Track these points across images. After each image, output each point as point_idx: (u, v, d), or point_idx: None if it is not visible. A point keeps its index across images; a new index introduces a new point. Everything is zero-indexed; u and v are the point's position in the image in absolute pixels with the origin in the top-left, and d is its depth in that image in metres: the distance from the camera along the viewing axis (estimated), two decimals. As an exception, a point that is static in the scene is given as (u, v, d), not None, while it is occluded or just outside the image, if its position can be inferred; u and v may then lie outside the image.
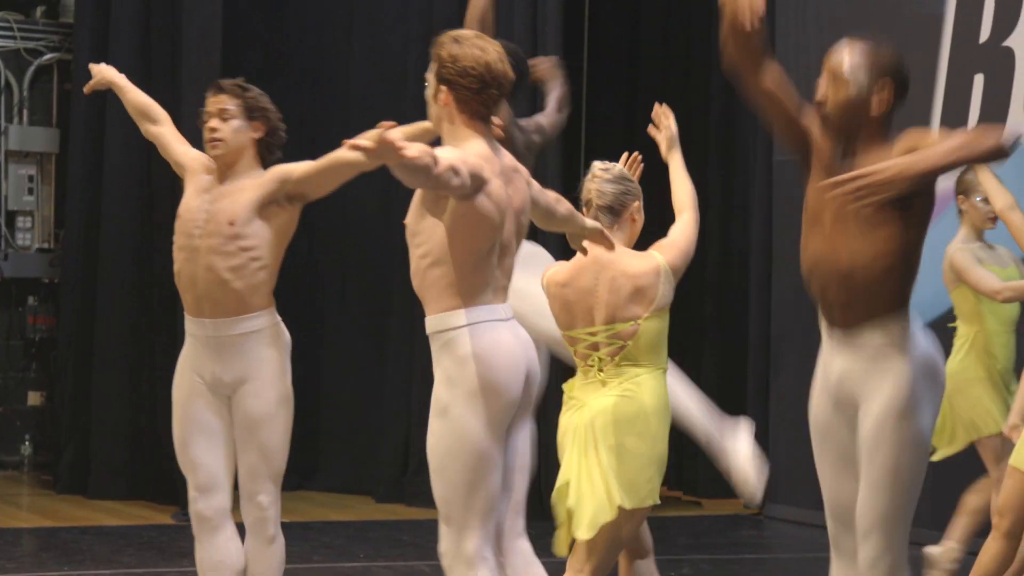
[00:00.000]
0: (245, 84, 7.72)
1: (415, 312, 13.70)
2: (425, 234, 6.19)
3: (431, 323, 6.30)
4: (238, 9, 14.51)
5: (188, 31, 13.77)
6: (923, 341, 6.42)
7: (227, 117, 7.52)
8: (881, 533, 6.41)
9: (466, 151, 6.14)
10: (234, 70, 14.16)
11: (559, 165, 14.03)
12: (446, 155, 5.92)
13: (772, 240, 14.60)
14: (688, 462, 15.56)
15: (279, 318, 7.70)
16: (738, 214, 15.45)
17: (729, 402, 14.52)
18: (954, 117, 12.91)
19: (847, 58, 6.43)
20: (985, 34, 12.85)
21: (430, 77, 6.44)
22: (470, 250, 6.18)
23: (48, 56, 15.53)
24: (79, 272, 14.25)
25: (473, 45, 6.31)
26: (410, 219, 6.27)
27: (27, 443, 15.57)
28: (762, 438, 14.06)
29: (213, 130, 7.46)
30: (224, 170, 7.58)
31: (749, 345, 15.07)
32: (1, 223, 15.39)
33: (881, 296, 6.34)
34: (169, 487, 13.17)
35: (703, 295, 15.96)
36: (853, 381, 6.57)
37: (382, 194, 14.53)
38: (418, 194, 6.23)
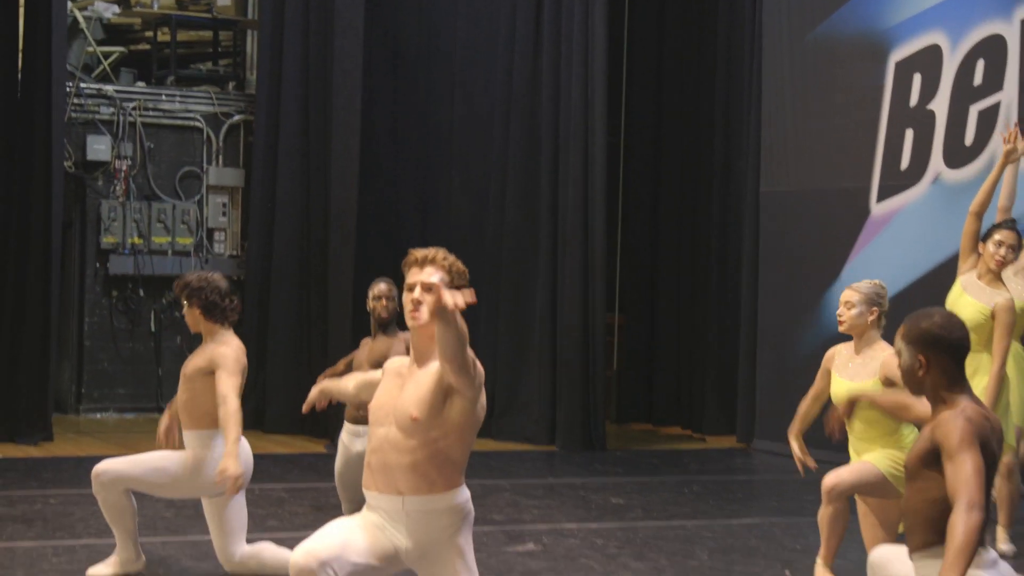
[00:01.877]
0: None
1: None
2: (437, 426, 5.58)
3: (446, 498, 5.66)
4: (372, 84, 14.86)
5: (336, 101, 14.26)
6: None
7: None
8: None
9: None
10: (367, 126, 15.35)
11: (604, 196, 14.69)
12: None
13: (759, 244, 14.69)
14: (696, 408, 16.04)
15: None
16: (732, 228, 15.45)
17: (725, 353, 15.16)
18: (891, 160, 13.19)
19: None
20: (914, 100, 13.12)
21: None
22: (469, 443, 5.74)
23: (236, 117, 16.09)
24: (258, 272, 14.92)
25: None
26: (423, 415, 5.59)
27: None
28: (749, 383, 14.50)
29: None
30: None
31: (741, 310, 15.06)
32: (203, 237, 15.92)
33: None
34: (322, 425, 13.57)
35: (708, 273, 15.92)
36: None
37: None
38: (432, 393, 5.58)
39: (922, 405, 5.55)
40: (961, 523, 4.83)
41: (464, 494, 5.70)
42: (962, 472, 4.97)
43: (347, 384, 6.47)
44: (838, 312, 7.95)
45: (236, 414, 7.54)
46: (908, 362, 5.29)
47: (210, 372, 7.78)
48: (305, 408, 6.58)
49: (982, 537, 5.00)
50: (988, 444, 5.12)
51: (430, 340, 5.60)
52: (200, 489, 7.95)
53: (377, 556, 5.61)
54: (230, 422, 7.48)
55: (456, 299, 5.19)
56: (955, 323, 5.33)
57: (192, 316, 7.95)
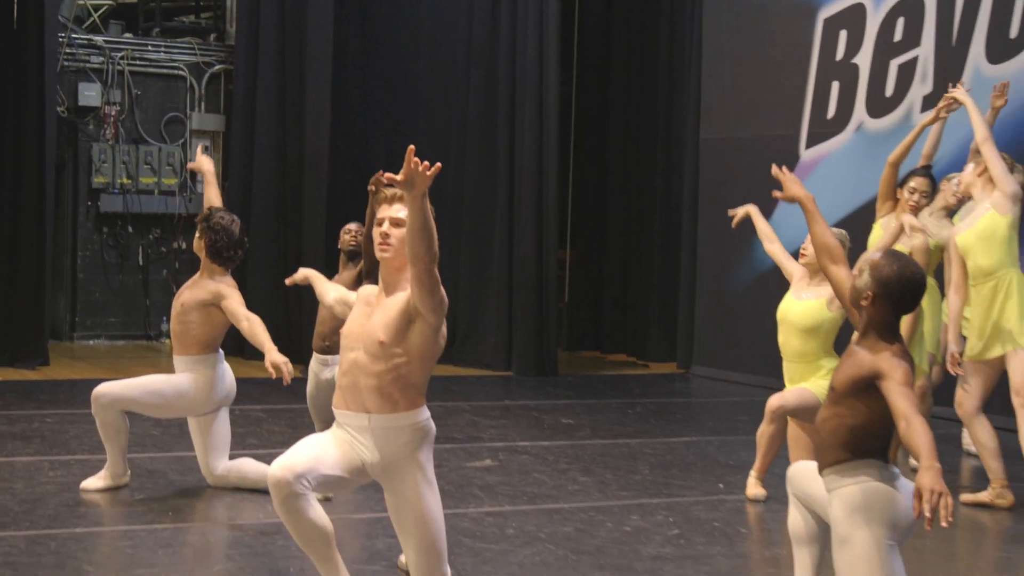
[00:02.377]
0: None
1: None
2: (401, 351, 5.56)
3: (408, 417, 5.68)
4: (342, 36, 14.81)
5: (310, 52, 14.24)
6: None
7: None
8: None
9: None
10: (339, 75, 14.93)
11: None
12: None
13: (698, 187, 14.83)
14: (640, 337, 16.14)
15: None
16: (675, 171, 15.50)
17: (667, 287, 15.26)
18: (818, 110, 13.26)
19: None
20: (840, 54, 13.17)
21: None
22: (429, 368, 5.74)
23: (217, 67, 16.03)
24: (238, 211, 13.40)
25: None
26: (389, 339, 5.59)
27: None
28: (689, 314, 14.56)
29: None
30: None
31: (682, 248, 15.19)
32: (187, 178, 15.81)
33: None
34: (297, 352, 13.02)
35: (652, 213, 15.98)
36: None
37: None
38: (398, 320, 5.57)
39: (844, 271, 5.60)
40: (917, 431, 4.90)
41: (424, 413, 5.72)
42: (904, 399, 5.04)
43: (328, 290, 6.52)
44: (802, 247, 8.21)
45: (260, 324, 7.70)
46: (861, 286, 5.32)
47: (210, 304, 7.96)
48: (288, 281, 7.09)
49: (890, 454, 5.23)
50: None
51: (397, 272, 5.64)
52: (188, 409, 8.12)
53: (347, 469, 5.67)
54: (260, 332, 7.61)
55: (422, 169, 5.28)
56: (915, 284, 5.32)
57: (199, 245, 8.13)
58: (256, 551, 6.84)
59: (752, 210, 8.82)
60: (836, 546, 5.25)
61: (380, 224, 5.67)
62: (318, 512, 5.66)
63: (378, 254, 5.68)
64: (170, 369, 8.21)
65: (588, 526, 7.56)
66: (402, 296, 5.61)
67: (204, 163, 8.78)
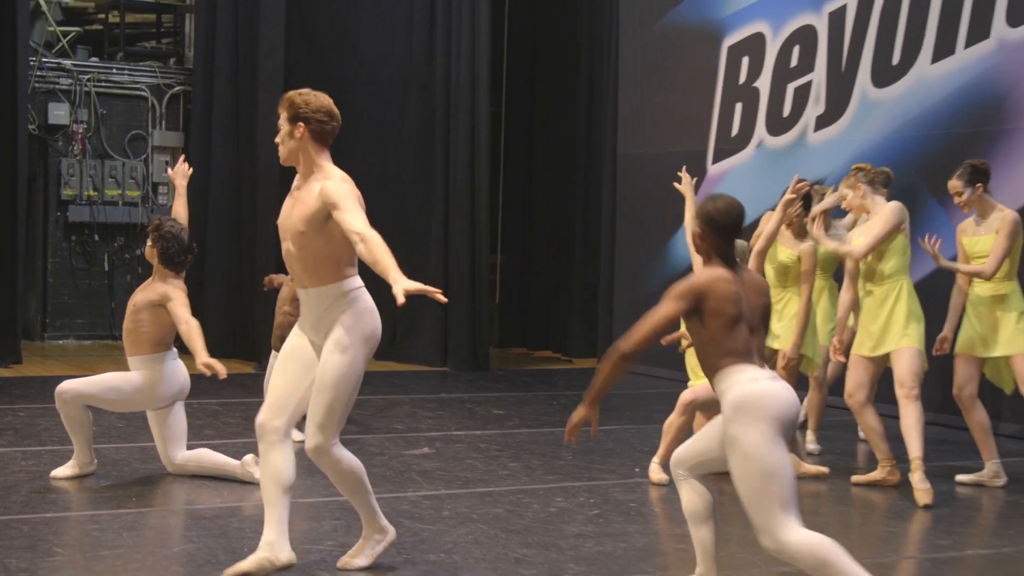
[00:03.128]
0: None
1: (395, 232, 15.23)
2: (321, 237, 5.83)
3: (337, 287, 5.92)
4: (291, 60, 14.55)
5: (261, 75, 14.09)
6: None
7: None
8: None
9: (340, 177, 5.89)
10: (293, 33, 14.44)
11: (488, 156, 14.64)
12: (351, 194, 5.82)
13: (616, 197, 14.84)
14: (564, 334, 16.15)
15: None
16: (594, 183, 15.56)
17: (588, 289, 15.28)
18: (724, 128, 13.29)
19: None
20: (743, 78, 13.20)
21: (283, 122, 5.96)
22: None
23: (176, 88, 15.97)
24: (197, 218, 13.92)
25: (318, 95, 6.02)
26: (308, 227, 5.84)
27: None
28: (608, 313, 14.57)
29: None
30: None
31: (601, 253, 15.20)
32: (149, 190, 15.77)
33: None
34: (251, 349, 13.85)
35: (574, 221, 16.01)
36: None
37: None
38: (313, 213, 5.80)
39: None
40: (610, 355, 5.49)
41: (352, 283, 6.00)
42: (653, 313, 5.39)
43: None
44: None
45: (198, 329, 7.64)
46: (695, 230, 5.57)
47: (158, 305, 7.88)
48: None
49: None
50: (728, 297, 5.36)
51: (294, 159, 6.01)
52: (144, 404, 8.07)
53: (309, 366, 6.02)
54: (195, 337, 7.54)
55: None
56: (732, 212, 5.52)
57: (151, 253, 8.06)
58: (213, 532, 6.80)
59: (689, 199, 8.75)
60: (727, 448, 5.32)
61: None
62: (289, 455, 5.95)
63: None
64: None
65: (516, 507, 7.57)
66: (317, 191, 5.85)
67: (178, 175, 8.54)
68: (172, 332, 8.05)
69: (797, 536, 5.14)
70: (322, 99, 6.02)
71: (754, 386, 5.27)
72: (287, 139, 5.96)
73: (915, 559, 6.82)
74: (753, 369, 5.33)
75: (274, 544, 5.87)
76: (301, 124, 5.92)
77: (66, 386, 7.92)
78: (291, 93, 6.09)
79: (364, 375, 5.99)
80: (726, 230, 5.50)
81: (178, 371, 8.11)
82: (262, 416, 5.98)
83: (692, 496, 5.76)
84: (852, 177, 8.51)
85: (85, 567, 6.13)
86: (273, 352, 9.56)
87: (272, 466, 5.91)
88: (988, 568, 6.73)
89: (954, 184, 8.44)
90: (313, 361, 6.03)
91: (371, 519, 6.24)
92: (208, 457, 8.18)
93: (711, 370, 5.41)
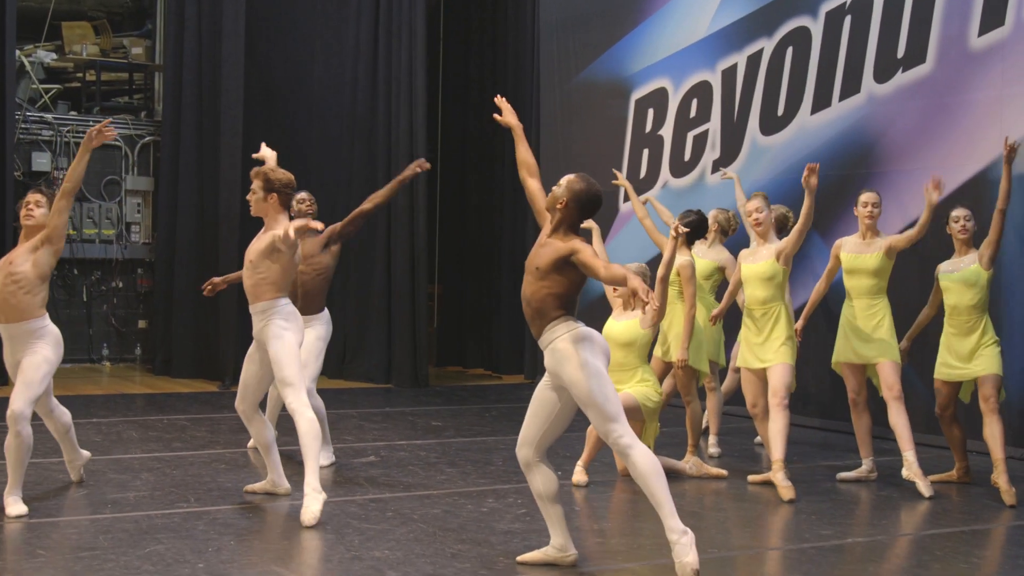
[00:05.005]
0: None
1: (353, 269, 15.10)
2: (265, 266, 7.20)
3: (270, 304, 7.20)
4: (249, 115, 14.35)
5: (223, 127, 13.98)
6: None
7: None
8: None
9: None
10: (247, 145, 14.82)
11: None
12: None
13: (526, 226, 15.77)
14: (494, 354, 16.12)
15: None
16: (520, 220, 15.34)
17: (516, 314, 14.62)
18: (633, 171, 13.21)
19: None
20: (649, 127, 13.21)
21: (258, 189, 7.13)
22: (290, 276, 7.30)
23: (147, 138, 15.94)
24: (165, 255, 14.61)
25: (283, 172, 7.25)
26: (257, 259, 7.19)
27: (138, 348, 15.82)
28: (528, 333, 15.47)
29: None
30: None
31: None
32: (123, 229, 15.72)
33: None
34: (217, 369, 13.69)
35: (502, 256, 15.92)
36: None
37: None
38: (266, 247, 7.18)
39: (537, 184, 6.38)
40: (614, 266, 5.84)
41: (281, 303, 7.34)
42: (596, 258, 5.78)
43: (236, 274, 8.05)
44: (614, 288, 8.53)
45: None
46: (558, 194, 5.92)
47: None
48: (205, 290, 8.71)
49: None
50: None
51: (262, 214, 7.37)
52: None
53: (263, 363, 7.41)
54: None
55: (289, 231, 6.77)
56: (596, 197, 5.95)
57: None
58: (180, 535, 6.72)
59: (630, 189, 9.90)
60: (571, 378, 5.88)
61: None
62: (267, 424, 7.59)
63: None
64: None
65: (453, 508, 7.56)
66: (270, 236, 7.22)
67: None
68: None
69: (637, 444, 5.79)
70: (286, 175, 7.25)
71: (590, 330, 5.92)
72: (260, 202, 7.24)
73: (802, 547, 6.83)
74: (577, 320, 5.94)
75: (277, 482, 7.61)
76: (274, 194, 7.22)
77: (18, 406, 7.16)
78: (265, 169, 7.29)
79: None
80: (586, 211, 5.93)
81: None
82: (240, 406, 7.57)
83: (543, 479, 6.14)
84: (763, 200, 8.58)
85: (65, 567, 6.04)
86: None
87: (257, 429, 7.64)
88: (865, 553, 6.78)
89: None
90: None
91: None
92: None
93: (556, 313, 5.87)
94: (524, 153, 6.45)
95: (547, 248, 5.91)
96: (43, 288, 7.38)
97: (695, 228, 8.98)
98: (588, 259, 5.74)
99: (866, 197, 8.62)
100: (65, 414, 7.73)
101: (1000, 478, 8.04)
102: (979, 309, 8.25)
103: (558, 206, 5.87)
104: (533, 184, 6.33)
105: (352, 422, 11.31)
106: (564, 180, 5.93)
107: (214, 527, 6.86)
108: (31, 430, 7.16)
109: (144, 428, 10.52)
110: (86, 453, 8.11)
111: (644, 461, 5.78)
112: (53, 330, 7.49)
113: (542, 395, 6.07)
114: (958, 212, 8.37)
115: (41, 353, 7.29)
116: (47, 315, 7.42)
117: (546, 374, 6.04)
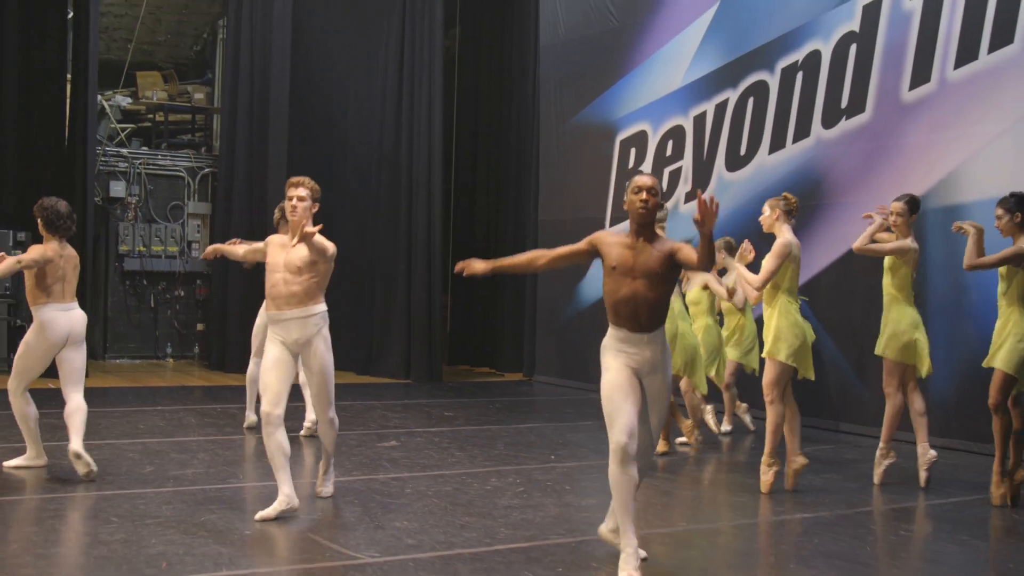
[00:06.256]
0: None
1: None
2: (314, 270, 6.33)
3: (315, 308, 6.36)
4: (292, 151, 14.38)
5: (270, 160, 13.93)
6: None
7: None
8: None
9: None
10: (290, 175, 15.45)
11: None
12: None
13: (525, 247, 15.57)
14: (498, 355, 15.95)
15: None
16: (521, 240, 15.03)
17: (517, 320, 15.00)
18: (617, 201, 12.98)
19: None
20: (631, 164, 12.95)
21: (307, 198, 6.38)
22: (326, 280, 6.45)
23: (207, 170, 15.94)
24: (219, 269, 14.43)
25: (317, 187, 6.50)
26: (305, 265, 6.32)
27: (196, 347, 15.78)
28: (532, 339, 14.35)
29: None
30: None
31: (526, 293, 15.02)
32: (185, 246, 15.71)
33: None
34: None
35: (506, 278, 15.16)
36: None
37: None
38: (307, 257, 6.30)
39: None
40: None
41: (323, 306, 6.52)
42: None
43: (238, 249, 7.02)
44: None
45: (7, 263, 7.06)
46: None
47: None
48: (202, 256, 7.53)
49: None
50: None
51: (297, 224, 6.45)
52: (44, 349, 7.23)
53: (291, 366, 6.44)
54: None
55: (309, 228, 6.17)
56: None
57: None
58: (231, 507, 6.69)
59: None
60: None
61: (291, 199, 6.47)
62: (283, 436, 6.37)
63: (289, 216, 6.44)
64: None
65: (461, 486, 7.54)
66: (305, 247, 6.37)
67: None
68: (44, 283, 7.21)
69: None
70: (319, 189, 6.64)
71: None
72: (308, 211, 6.47)
73: (758, 521, 6.80)
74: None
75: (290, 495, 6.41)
76: (317, 203, 6.56)
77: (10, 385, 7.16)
78: (313, 183, 6.59)
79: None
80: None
81: (57, 319, 7.18)
82: (266, 410, 6.34)
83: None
84: (777, 200, 7.71)
85: (134, 531, 6.02)
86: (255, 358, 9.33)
87: (273, 445, 6.38)
88: (810, 527, 6.73)
89: (997, 211, 7.33)
90: (292, 361, 6.48)
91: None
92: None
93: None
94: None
95: (654, 254, 5.36)
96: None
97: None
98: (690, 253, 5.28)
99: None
100: (32, 404, 7.35)
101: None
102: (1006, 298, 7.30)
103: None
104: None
105: (377, 412, 11.27)
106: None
107: (259, 500, 6.86)
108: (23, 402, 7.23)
109: (201, 415, 10.48)
110: (41, 460, 7.54)
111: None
112: (39, 315, 7.17)
113: (634, 383, 5.33)
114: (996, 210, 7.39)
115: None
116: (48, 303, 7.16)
117: (628, 366, 5.33)
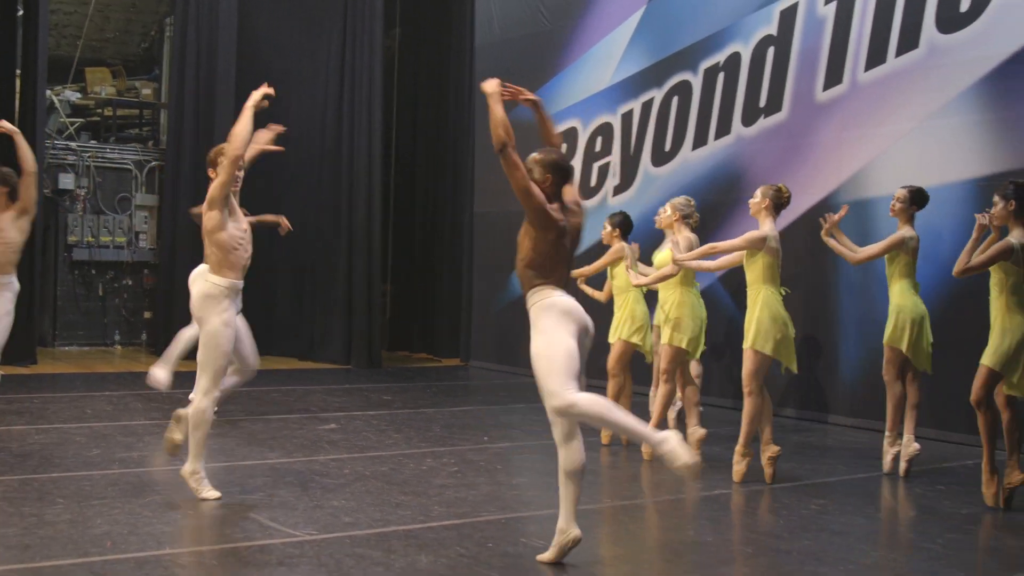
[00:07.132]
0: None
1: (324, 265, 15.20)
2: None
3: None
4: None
5: (216, 144, 14.26)
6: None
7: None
8: None
9: None
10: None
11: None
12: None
13: (473, 242, 14.68)
14: (436, 341, 15.89)
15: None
16: (458, 232, 15.23)
17: (453, 308, 14.97)
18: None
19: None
20: None
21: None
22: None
23: (153, 163, 15.73)
24: (168, 258, 14.28)
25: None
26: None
27: (143, 334, 15.56)
28: (468, 325, 14.31)
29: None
30: None
31: (462, 282, 14.94)
32: (133, 236, 15.52)
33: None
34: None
35: (443, 260, 15.74)
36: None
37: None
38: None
39: None
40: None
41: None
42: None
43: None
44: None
45: None
46: (538, 175, 5.25)
47: None
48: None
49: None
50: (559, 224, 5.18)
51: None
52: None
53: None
54: None
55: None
56: (565, 160, 5.33)
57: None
58: (176, 488, 6.64)
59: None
60: (532, 337, 5.05)
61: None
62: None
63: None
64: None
65: (398, 466, 7.53)
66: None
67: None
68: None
69: (580, 396, 4.89)
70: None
71: (564, 299, 5.17)
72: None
73: (686, 496, 6.83)
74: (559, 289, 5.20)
75: None
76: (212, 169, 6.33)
77: None
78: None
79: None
80: (565, 173, 5.31)
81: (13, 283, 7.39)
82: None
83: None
84: (768, 188, 7.25)
85: (80, 512, 5.98)
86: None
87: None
88: (744, 502, 6.78)
89: (995, 199, 6.74)
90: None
91: None
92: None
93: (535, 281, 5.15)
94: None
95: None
96: None
97: (625, 224, 8.54)
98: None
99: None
100: None
101: None
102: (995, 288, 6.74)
103: (543, 186, 5.26)
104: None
105: (318, 396, 11.24)
106: (538, 156, 5.32)
107: (203, 481, 6.79)
108: None
109: (147, 400, 10.42)
110: None
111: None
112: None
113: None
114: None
115: None
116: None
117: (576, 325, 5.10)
